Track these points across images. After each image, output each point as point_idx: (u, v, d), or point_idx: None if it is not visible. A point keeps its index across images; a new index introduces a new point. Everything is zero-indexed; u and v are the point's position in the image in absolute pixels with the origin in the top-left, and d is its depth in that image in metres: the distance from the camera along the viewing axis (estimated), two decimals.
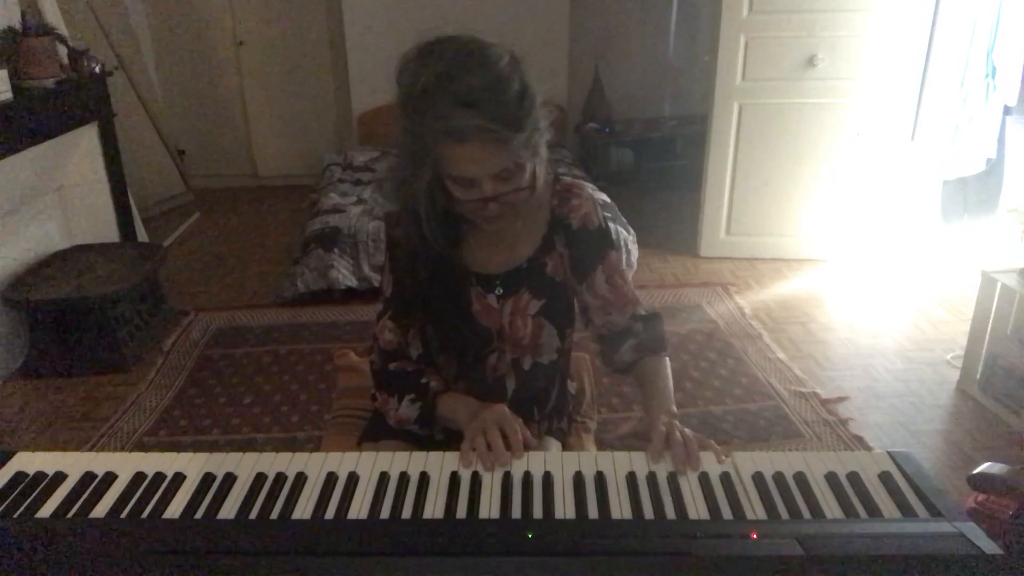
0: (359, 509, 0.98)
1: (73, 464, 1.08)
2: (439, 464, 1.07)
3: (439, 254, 1.22)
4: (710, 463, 1.05)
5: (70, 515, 0.98)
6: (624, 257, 3.58)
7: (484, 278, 1.27)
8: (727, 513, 0.96)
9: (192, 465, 1.07)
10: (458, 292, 1.27)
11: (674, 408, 1.19)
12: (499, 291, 1.27)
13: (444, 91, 1.01)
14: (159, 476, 1.05)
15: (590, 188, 1.33)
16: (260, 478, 1.04)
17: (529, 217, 1.27)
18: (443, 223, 1.20)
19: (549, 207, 1.28)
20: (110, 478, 1.04)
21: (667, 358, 1.31)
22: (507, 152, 1.05)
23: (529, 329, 1.28)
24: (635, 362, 1.31)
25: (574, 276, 1.30)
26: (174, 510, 0.98)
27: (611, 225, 3.51)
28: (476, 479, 1.04)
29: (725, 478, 1.03)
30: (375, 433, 1.40)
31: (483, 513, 0.97)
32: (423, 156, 1.08)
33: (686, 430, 1.10)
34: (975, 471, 1.75)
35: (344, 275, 3.46)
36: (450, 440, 1.29)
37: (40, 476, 1.05)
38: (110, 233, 3.64)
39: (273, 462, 1.07)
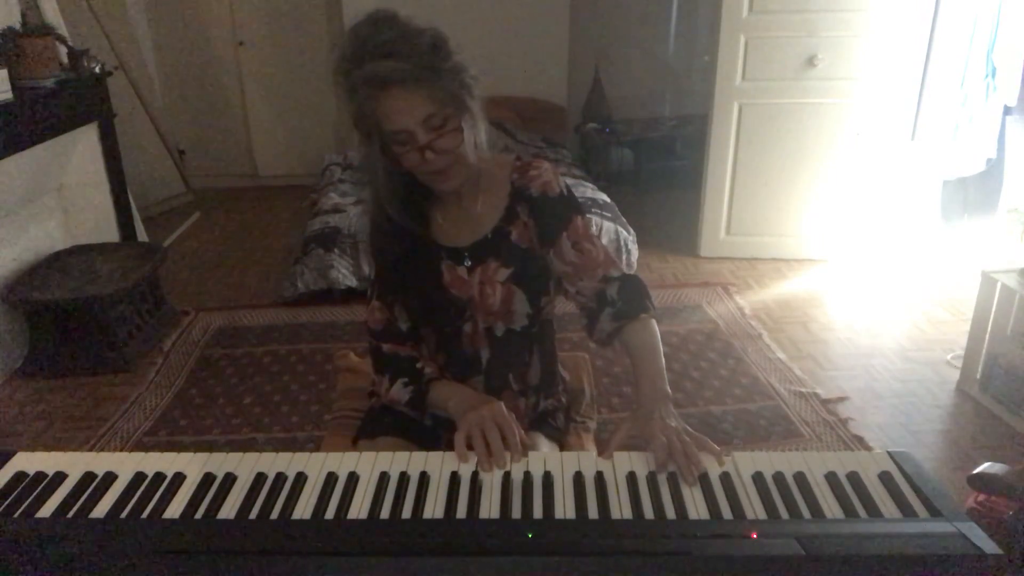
0: (359, 509, 0.98)
1: (73, 464, 1.08)
2: (439, 464, 1.07)
3: (410, 233, 1.29)
4: (710, 464, 1.05)
5: (70, 515, 0.98)
6: (624, 257, 3.58)
7: (453, 251, 1.32)
8: (727, 513, 0.96)
9: (192, 465, 1.07)
10: (430, 266, 1.32)
11: (666, 387, 1.17)
12: (468, 263, 1.32)
13: (361, 52, 1.11)
14: (159, 476, 1.05)
15: (550, 163, 1.37)
16: (260, 478, 1.04)
17: (490, 192, 1.33)
18: (406, 199, 1.27)
19: (509, 181, 1.33)
20: (110, 478, 1.04)
21: (651, 321, 1.27)
22: (429, 96, 1.12)
23: (499, 296, 1.31)
24: (616, 331, 1.28)
25: (542, 244, 1.32)
26: (174, 510, 0.98)
27: (607, 226, 3.52)
28: (476, 479, 1.04)
29: (725, 478, 1.03)
30: (371, 430, 1.41)
31: (483, 513, 0.97)
32: (367, 127, 1.16)
33: (683, 429, 1.10)
34: (975, 471, 1.75)
35: (344, 275, 3.46)
36: (438, 426, 1.35)
37: (40, 476, 1.05)
38: (110, 233, 3.64)
39: (273, 462, 1.07)
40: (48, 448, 2.50)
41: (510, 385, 1.39)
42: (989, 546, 0.86)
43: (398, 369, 1.33)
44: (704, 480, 1.02)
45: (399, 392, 1.32)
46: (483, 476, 1.04)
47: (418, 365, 1.33)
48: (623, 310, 1.27)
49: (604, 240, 3.51)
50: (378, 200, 1.27)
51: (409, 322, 1.36)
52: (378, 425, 1.40)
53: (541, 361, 1.42)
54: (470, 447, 1.09)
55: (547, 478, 1.03)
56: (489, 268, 1.31)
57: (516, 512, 0.98)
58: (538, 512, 0.97)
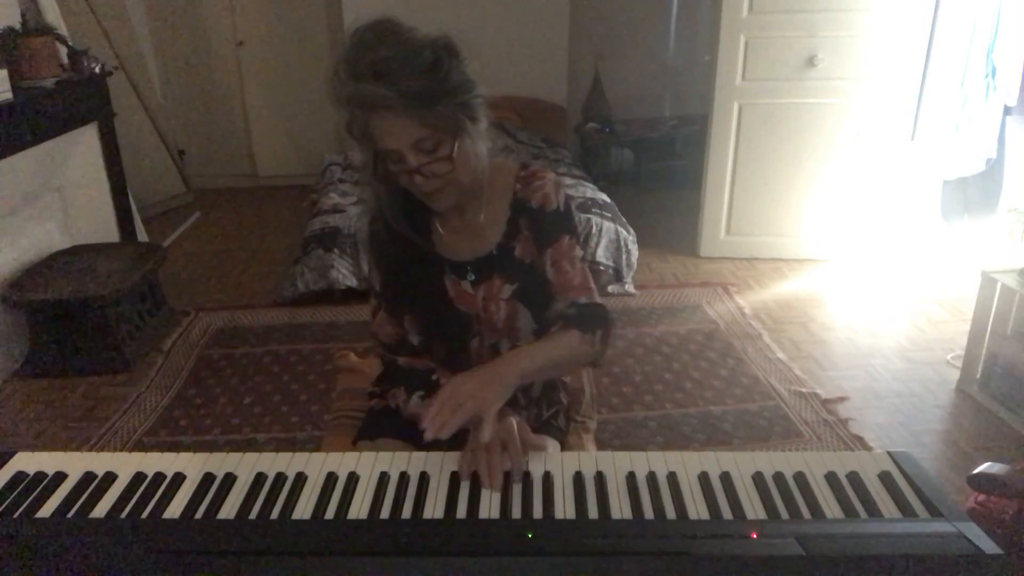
0: (359, 509, 0.98)
1: (73, 464, 1.08)
2: (439, 464, 1.07)
3: (412, 244, 1.26)
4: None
5: (70, 515, 0.98)
6: (624, 257, 3.58)
7: (456, 265, 1.30)
8: (727, 513, 0.96)
9: (192, 465, 1.07)
10: (433, 280, 1.30)
11: (522, 368, 1.12)
12: (471, 277, 1.29)
13: (353, 67, 1.06)
14: (159, 476, 1.05)
15: (555, 176, 1.33)
16: (260, 478, 1.04)
17: (493, 203, 1.29)
18: (406, 210, 1.24)
19: (512, 191, 1.30)
20: (110, 478, 1.04)
21: (584, 343, 1.20)
22: (419, 121, 1.08)
23: (503, 313, 1.29)
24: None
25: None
26: (174, 510, 0.98)
27: (607, 226, 3.52)
28: (476, 479, 1.04)
29: (725, 478, 1.03)
30: (371, 432, 1.40)
31: (483, 513, 0.97)
32: (363, 138, 1.14)
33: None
34: (975, 471, 1.75)
35: (344, 275, 3.46)
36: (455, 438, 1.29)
37: (40, 476, 1.05)
38: (110, 233, 3.64)
39: (273, 462, 1.07)
40: (48, 448, 2.50)
41: (517, 400, 1.36)
42: (989, 546, 0.86)
43: (415, 382, 1.30)
44: (704, 480, 1.02)
45: (417, 406, 1.28)
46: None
47: (434, 377, 1.29)
48: (573, 322, 1.22)
49: (604, 240, 3.51)
50: (378, 207, 1.25)
51: (420, 335, 1.33)
52: (378, 427, 1.39)
53: None
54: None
55: (547, 478, 1.03)
56: (494, 285, 1.28)
57: (516, 512, 0.98)
58: (538, 512, 0.97)
